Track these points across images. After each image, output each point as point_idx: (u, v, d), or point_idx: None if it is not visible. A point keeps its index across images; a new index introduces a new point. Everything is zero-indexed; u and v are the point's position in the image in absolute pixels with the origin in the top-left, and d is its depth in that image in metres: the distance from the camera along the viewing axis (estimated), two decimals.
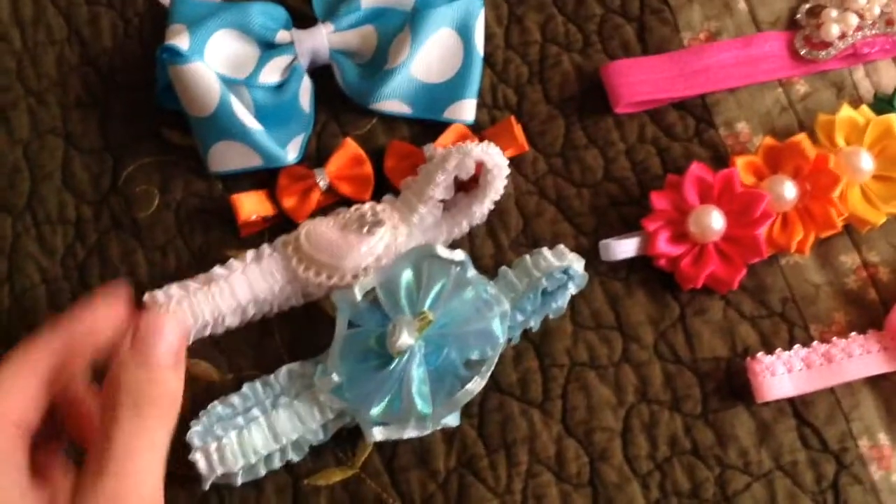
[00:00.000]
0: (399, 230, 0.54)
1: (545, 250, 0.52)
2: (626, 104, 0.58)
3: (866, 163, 0.55)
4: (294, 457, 0.52)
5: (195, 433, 0.50)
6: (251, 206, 0.56)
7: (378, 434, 0.51)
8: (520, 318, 0.52)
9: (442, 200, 0.55)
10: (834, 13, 0.58)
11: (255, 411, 0.51)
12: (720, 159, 0.57)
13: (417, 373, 0.50)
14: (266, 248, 0.55)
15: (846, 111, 0.56)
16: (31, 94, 0.61)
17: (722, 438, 0.53)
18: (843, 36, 0.58)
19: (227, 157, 0.57)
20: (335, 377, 0.50)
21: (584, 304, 0.55)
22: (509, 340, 0.53)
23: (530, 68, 0.60)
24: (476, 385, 0.51)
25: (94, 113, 0.60)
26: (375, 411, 0.50)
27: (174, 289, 0.53)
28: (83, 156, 0.59)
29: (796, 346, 0.53)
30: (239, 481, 0.51)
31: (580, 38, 0.60)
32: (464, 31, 0.58)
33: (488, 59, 0.60)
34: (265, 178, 0.58)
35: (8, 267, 0.58)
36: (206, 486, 0.51)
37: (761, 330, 0.54)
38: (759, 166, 0.55)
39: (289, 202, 0.57)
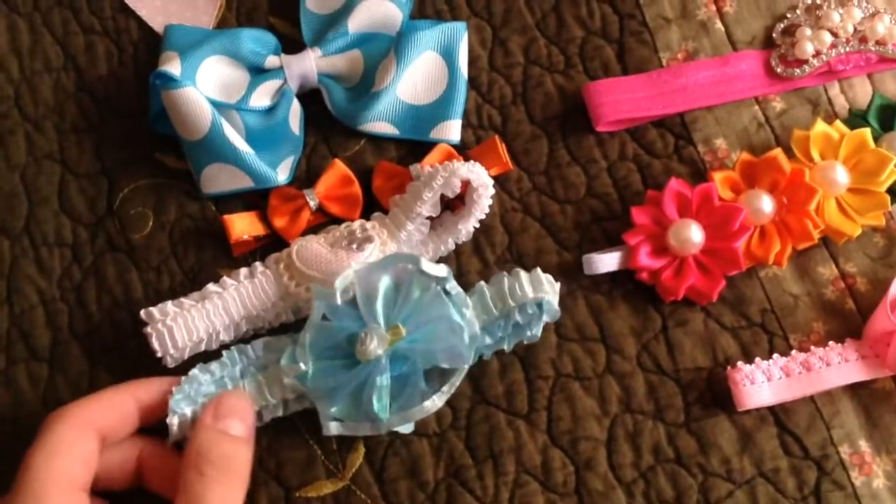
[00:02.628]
0: (388, 246, 0.56)
1: (523, 275, 0.53)
2: (607, 123, 0.59)
3: (841, 176, 0.56)
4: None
5: (175, 401, 0.51)
6: (243, 226, 0.58)
7: (334, 429, 0.52)
8: (489, 341, 0.53)
9: (429, 218, 0.56)
10: (808, 31, 0.60)
11: (226, 380, 0.53)
12: (699, 175, 0.59)
13: (381, 380, 0.51)
14: (259, 266, 0.56)
15: (820, 126, 0.57)
16: (29, 121, 0.62)
17: (704, 447, 0.54)
18: (817, 54, 0.60)
19: (219, 180, 0.58)
20: (302, 365, 0.52)
21: (568, 316, 0.56)
22: (481, 357, 0.54)
23: (514, 89, 0.61)
24: (433, 405, 0.52)
25: (89, 138, 0.62)
26: (334, 409, 0.52)
27: (170, 306, 0.55)
28: (79, 180, 0.61)
29: (775, 356, 0.54)
30: None
31: (562, 59, 0.61)
32: (447, 54, 0.60)
33: (473, 81, 0.61)
34: (257, 199, 0.59)
35: (6, 288, 0.59)
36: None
37: (741, 340, 0.56)
38: (737, 181, 0.57)
39: (280, 222, 0.58)
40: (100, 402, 0.50)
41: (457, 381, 0.53)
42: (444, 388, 0.52)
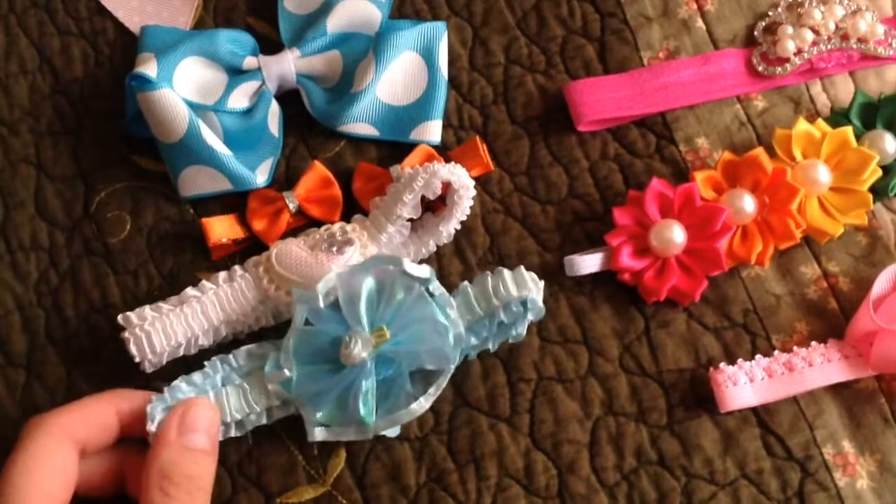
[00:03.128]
0: (368, 249, 0.55)
1: (506, 273, 0.52)
2: (588, 122, 0.59)
3: (823, 175, 0.56)
4: (236, 433, 0.52)
5: (158, 407, 0.51)
6: (222, 229, 0.57)
7: (319, 435, 0.52)
8: (474, 341, 0.53)
9: (410, 220, 0.56)
10: (790, 30, 0.60)
11: (207, 387, 0.52)
12: (681, 174, 0.58)
13: (366, 384, 0.50)
14: (238, 270, 0.55)
15: (802, 125, 0.57)
16: (3, 124, 0.61)
17: (687, 448, 0.53)
18: (799, 52, 0.59)
19: (197, 182, 0.58)
20: (286, 371, 0.51)
21: (551, 319, 0.56)
22: (466, 357, 0.54)
23: (495, 89, 0.61)
24: (420, 407, 0.51)
25: (65, 141, 0.61)
26: (320, 414, 0.51)
27: (147, 311, 0.54)
28: (55, 183, 0.60)
29: (758, 356, 0.54)
30: None
31: (543, 58, 0.61)
32: (427, 54, 0.59)
33: (453, 81, 0.61)
34: (236, 201, 0.58)
35: None
36: None
37: (724, 341, 0.55)
38: (718, 181, 0.56)
39: (259, 225, 0.57)
40: (80, 411, 0.49)
41: (443, 382, 0.52)
42: (431, 391, 0.52)
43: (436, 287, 0.52)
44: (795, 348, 0.54)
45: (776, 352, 0.54)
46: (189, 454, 0.48)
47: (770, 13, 0.61)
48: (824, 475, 0.53)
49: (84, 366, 0.57)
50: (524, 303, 0.52)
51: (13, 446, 0.51)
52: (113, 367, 0.56)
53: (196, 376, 0.52)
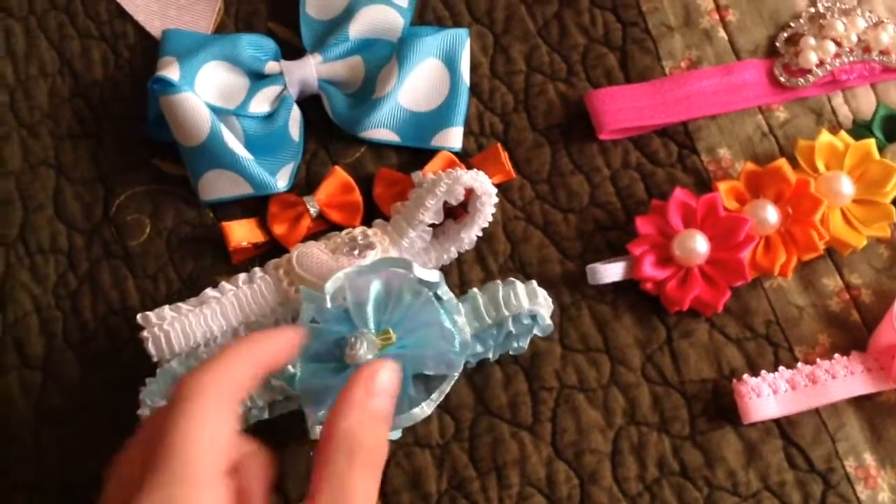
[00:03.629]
0: (389, 253, 0.55)
1: (518, 285, 0.52)
2: (609, 131, 0.59)
3: (846, 187, 0.56)
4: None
5: (148, 392, 0.50)
6: (242, 233, 0.57)
7: (320, 433, 0.51)
8: (479, 349, 0.53)
9: (431, 225, 0.55)
10: (812, 41, 0.60)
11: None
12: (703, 184, 0.58)
13: None
14: (257, 272, 0.55)
15: (825, 136, 0.57)
16: (24, 127, 0.61)
17: (710, 459, 0.53)
18: (821, 63, 0.59)
19: (217, 186, 0.58)
20: (290, 367, 0.50)
21: (572, 327, 0.56)
22: (466, 363, 0.54)
23: (516, 97, 0.61)
24: (422, 412, 0.51)
25: (85, 144, 0.61)
26: (323, 413, 0.50)
27: (166, 311, 0.54)
28: (75, 186, 0.60)
29: (781, 368, 0.53)
30: None
31: (564, 67, 0.61)
32: (450, 61, 0.59)
33: (474, 88, 0.61)
34: (256, 205, 0.58)
35: (1, 296, 0.58)
36: None
37: (747, 352, 0.55)
38: (741, 191, 0.56)
39: (279, 229, 0.57)
40: (235, 369, 0.42)
41: (446, 388, 0.52)
42: (434, 396, 0.51)
43: (444, 292, 0.51)
44: (819, 360, 0.53)
45: (799, 363, 0.54)
46: (380, 423, 0.43)
47: (792, 24, 0.61)
48: (846, 488, 0.53)
49: (101, 368, 0.56)
50: (533, 317, 0.52)
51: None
52: (130, 369, 0.56)
53: (192, 361, 0.52)
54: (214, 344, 0.54)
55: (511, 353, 0.54)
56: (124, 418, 0.55)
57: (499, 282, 0.52)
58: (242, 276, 0.55)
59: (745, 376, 0.53)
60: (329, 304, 0.51)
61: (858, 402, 0.54)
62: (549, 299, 0.53)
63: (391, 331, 0.50)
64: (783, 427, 0.54)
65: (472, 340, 0.52)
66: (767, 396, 0.53)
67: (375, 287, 0.51)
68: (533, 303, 0.52)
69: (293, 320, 0.55)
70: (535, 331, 0.53)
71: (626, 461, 0.53)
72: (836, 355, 0.54)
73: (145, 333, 0.53)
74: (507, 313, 0.51)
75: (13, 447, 0.56)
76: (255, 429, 0.54)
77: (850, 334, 0.55)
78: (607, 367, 0.55)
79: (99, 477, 0.54)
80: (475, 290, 0.52)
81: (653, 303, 0.56)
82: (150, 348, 0.53)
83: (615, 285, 0.56)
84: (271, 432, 0.54)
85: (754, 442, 0.53)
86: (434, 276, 0.51)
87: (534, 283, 0.52)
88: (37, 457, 0.55)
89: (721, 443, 0.53)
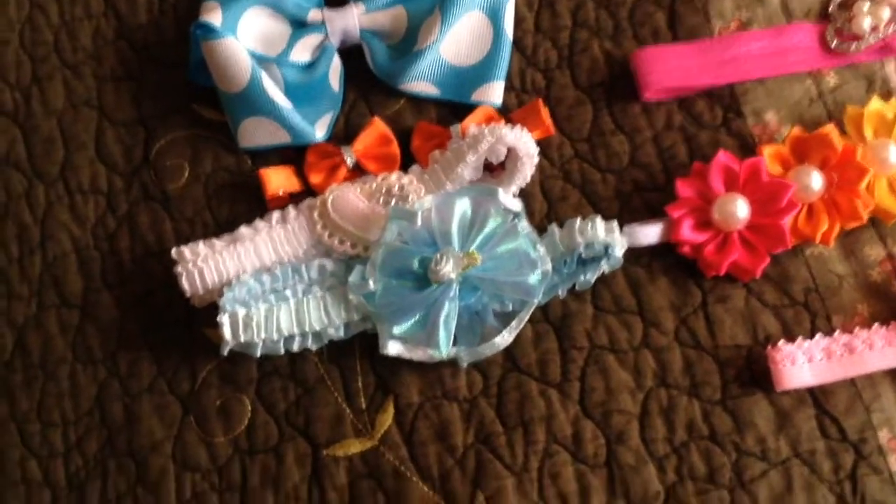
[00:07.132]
0: None
1: (598, 219, 0.52)
2: (654, 91, 0.58)
3: (894, 156, 0.54)
4: (313, 346, 0.53)
5: (226, 299, 0.52)
6: (279, 181, 0.57)
7: (393, 349, 0.52)
8: (555, 279, 0.53)
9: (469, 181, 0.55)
10: (866, 6, 0.58)
11: (287, 293, 0.52)
12: (747, 148, 0.57)
13: (449, 306, 0.50)
14: (291, 211, 0.55)
15: (876, 104, 0.55)
16: (67, 67, 0.62)
17: (740, 425, 0.53)
18: (874, 29, 0.58)
19: (256, 133, 0.58)
20: (371, 284, 0.51)
21: (606, 288, 0.55)
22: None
23: (559, 53, 0.60)
24: (503, 340, 0.52)
25: (127, 87, 0.61)
26: (398, 329, 0.51)
27: (200, 246, 0.55)
28: (116, 128, 0.60)
29: (817, 336, 0.53)
30: (258, 353, 0.53)
31: (610, 24, 0.60)
32: (493, 15, 0.58)
33: (517, 43, 0.60)
34: (293, 154, 0.58)
35: (40, 235, 0.59)
36: (225, 353, 0.52)
37: (783, 319, 0.54)
38: (786, 156, 0.55)
39: (316, 178, 0.57)
40: None
41: (525, 316, 0.52)
42: (513, 324, 0.52)
43: (524, 226, 0.52)
44: (857, 330, 0.53)
45: (836, 332, 0.53)
46: None
47: None
48: (878, 459, 0.52)
49: (136, 310, 0.57)
50: (606, 249, 0.53)
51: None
52: (164, 311, 0.56)
53: (265, 276, 0.53)
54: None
55: (577, 287, 0.54)
56: (159, 359, 0.56)
57: (578, 219, 0.53)
58: (276, 215, 0.55)
59: (780, 343, 0.52)
60: (420, 222, 0.51)
61: (895, 374, 0.53)
62: (624, 238, 0.53)
63: (475, 252, 0.50)
64: (817, 396, 0.53)
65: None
66: (802, 364, 0.52)
67: (462, 209, 0.51)
68: (609, 236, 0.52)
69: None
70: (604, 264, 0.53)
71: (655, 423, 0.53)
72: (875, 325, 0.53)
73: (179, 269, 0.54)
74: (580, 240, 0.52)
75: (50, 383, 0.57)
76: (278, 377, 0.55)
77: (890, 305, 0.54)
78: (639, 329, 0.55)
79: (133, 416, 0.56)
80: (554, 224, 0.53)
81: (689, 267, 0.55)
82: (184, 284, 0.54)
83: (651, 248, 0.55)
84: (300, 377, 0.55)
85: (786, 409, 0.53)
86: (517, 205, 0.52)
87: (614, 222, 0.53)
88: (72, 394, 0.56)
89: (752, 409, 0.53)
